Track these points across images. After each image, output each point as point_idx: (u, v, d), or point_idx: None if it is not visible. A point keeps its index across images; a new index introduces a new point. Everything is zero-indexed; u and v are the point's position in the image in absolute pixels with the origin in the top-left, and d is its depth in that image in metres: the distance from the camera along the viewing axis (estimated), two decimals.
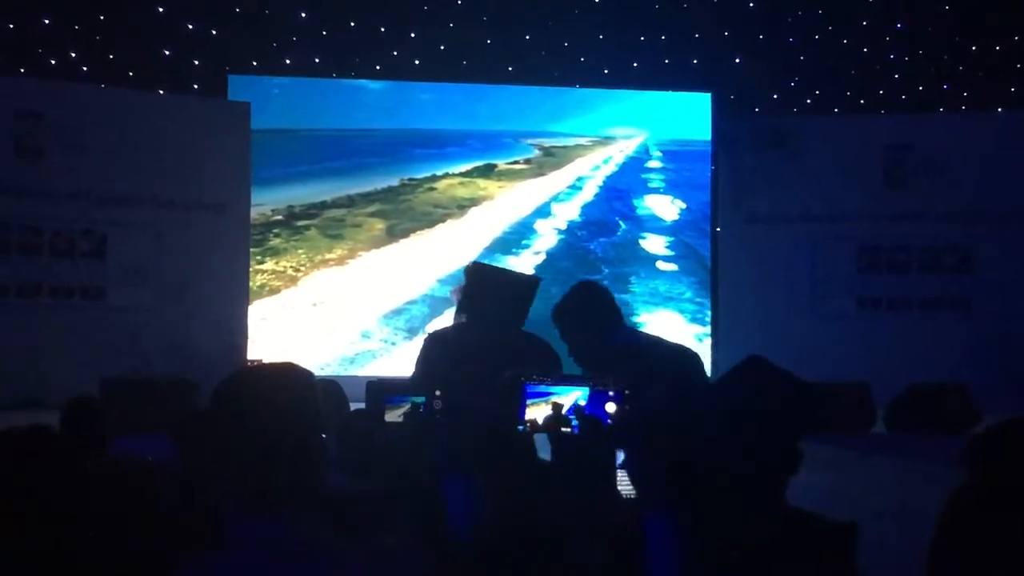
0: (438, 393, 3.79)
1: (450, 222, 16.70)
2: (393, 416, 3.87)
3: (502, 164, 17.03)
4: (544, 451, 3.43)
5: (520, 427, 2.96)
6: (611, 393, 2.90)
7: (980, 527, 1.86)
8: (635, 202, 17.10)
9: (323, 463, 2.12)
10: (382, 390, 4.44)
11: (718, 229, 15.76)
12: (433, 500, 3.28)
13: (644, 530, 2.50)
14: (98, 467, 3.56)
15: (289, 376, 2.13)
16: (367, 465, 3.58)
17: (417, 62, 15.92)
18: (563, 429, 2.92)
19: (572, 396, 2.96)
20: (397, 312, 16.07)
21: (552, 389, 2.97)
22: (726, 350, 14.42)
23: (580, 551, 2.28)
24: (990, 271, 13.70)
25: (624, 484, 3.52)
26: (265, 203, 15.71)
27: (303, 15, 15.46)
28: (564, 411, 2.98)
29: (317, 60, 15.72)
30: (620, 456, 3.54)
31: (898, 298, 14.02)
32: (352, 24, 15.53)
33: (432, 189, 16.81)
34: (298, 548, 1.96)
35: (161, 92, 14.35)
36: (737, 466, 2.65)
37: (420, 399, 3.88)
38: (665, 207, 17.03)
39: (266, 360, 14.36)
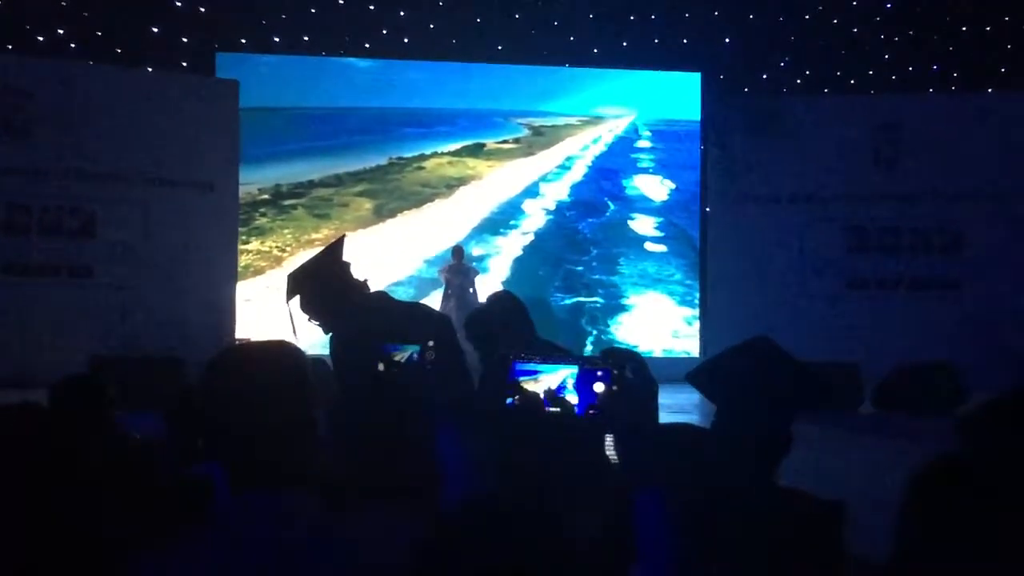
0: (431, 344, 3.77)
1: (438, 202, 16.68)
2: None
3: (491, 143, 17.04)
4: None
5: (509, 400, 2.96)
6: (599, 373, 2.90)
7: (961, 504, 1.86)
8: (624, 182, 17.12)
9: (314, 439, 2.12)
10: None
11: (707, 209, 15.78)
12: (428, 461, 3.28)
13: (635, 509, 2.51)
14: (99, 444, 3.56)
15: (280, 353, 2.13)
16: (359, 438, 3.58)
17: (406, 40, 15.88)
18: (552, 409, 2.92)
19: (561, 374, 2.95)
20: None
21: (541, 367, 2.97)
22: (714, 331, 14.44)
23: (573, 527, 2.28)
24: (979, 252, 13.74)
25: (613, 450, 3.51)
26: (252, 182, 15.67)
27: None
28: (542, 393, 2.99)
29: (306, 38, 15.68)
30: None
31: (887, 278, 14.05)
32: (341, 2, 15.48)
33: (420, 168, 16.79)
34: (288, 522, 1.97)
35: (149, 70, 14.29)
36: (734, 443, 2.66)
37: (415, 347, 3.85)
38: (655, 187, 17.04)
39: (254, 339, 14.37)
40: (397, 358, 3.71)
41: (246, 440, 2.02)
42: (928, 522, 1.90)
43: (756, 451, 2.67)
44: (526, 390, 2.91)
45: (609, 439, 3.06)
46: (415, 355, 3.76)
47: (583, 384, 2.91)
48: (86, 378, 4.93)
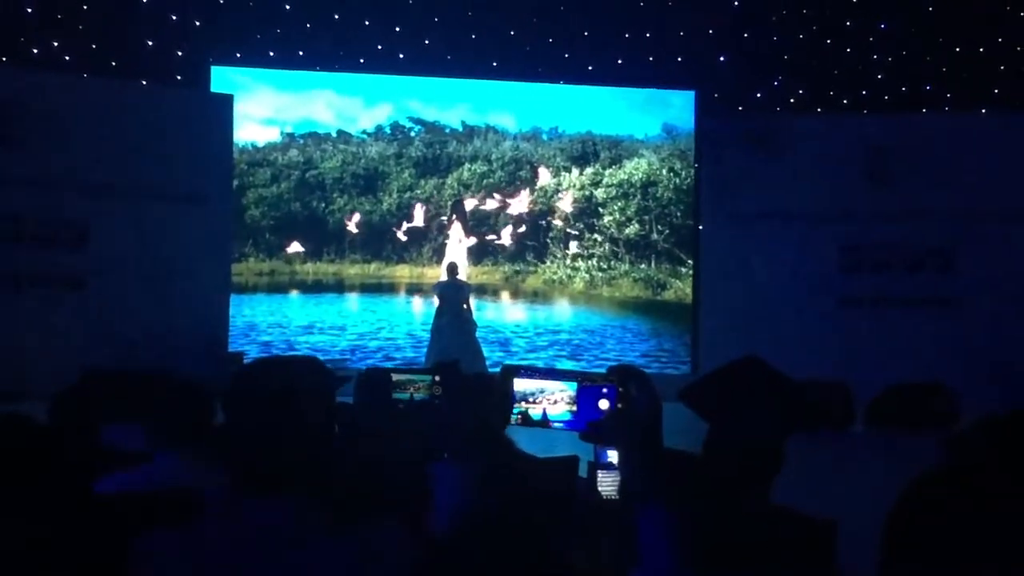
0: (437, 379, 3.82)
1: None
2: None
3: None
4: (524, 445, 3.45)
5: (514, 415, 2.96)
6: (604, 390, 2.90)
7: (948, 521, 1.86)
8: None
9: (331, 451, 2.14)
10: (378, 378, 4.49)
11: (700, 227, 15.80)
12: (420, 486, 3.29)
13: (638, 526, 2.51)
14: (85, 456, 3.56)
15: (307, 367, 2.16)
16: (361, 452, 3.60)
17: (401, 56, 15.90)
18: (555, 424, 2.93)
19: (559, 396, 2.95)
20: None
21: (541, 383, 2.97)
22: (707, 349, 14.45)
23: (564, 545, 2.29)
24: (971, 271, 13.76)
25: (605, 485, 3.51)
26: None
27: (287, 7, 15.42)
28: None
29: (301, 52, 15.68)
30: (608, 455, 3.54)
31: (879, 297, 14.06)
32: (336, 17, 15.50)
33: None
34: (292, 530, 1.98)
35: (144, 83, 14.29)
36: (727, 462, 2.66)
37: (427, 378, 3.92)
38: None
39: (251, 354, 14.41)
40: (412, 388, 3.77)
41: (265, 449, 2.03)
42: (914, 540, 1.90)
43: (748, 469, 2.67)
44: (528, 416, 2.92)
45: (603, 474, 3.07)
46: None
47: (584, 400, 2.91)
48: (78, 390, 4.93)
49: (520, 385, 2.96)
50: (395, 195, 16.76)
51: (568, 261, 16.95)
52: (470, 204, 16.85)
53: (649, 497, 2.61)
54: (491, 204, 16.85)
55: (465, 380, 4.47)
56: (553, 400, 2.95)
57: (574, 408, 2.93)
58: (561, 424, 2.94)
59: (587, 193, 16.94)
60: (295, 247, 16.40)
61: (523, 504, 2.54)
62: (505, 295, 16.91)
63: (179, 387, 4.26)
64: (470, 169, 16.94)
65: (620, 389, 2.86)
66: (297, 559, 1.96)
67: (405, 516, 2.69)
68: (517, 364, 3.10)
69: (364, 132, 16.85)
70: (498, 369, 3.20)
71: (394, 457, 3.47)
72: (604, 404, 2.88)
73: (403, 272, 16.60)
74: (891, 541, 1.86)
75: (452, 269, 14.56)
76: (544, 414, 2.96)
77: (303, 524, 2.00)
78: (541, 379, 2.97)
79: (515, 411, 2.96)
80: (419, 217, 16.71)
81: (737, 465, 2.67)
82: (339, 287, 16.53)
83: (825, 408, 10.51)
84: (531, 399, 2.96)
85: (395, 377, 4.62)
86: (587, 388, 2.90)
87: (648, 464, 2.68)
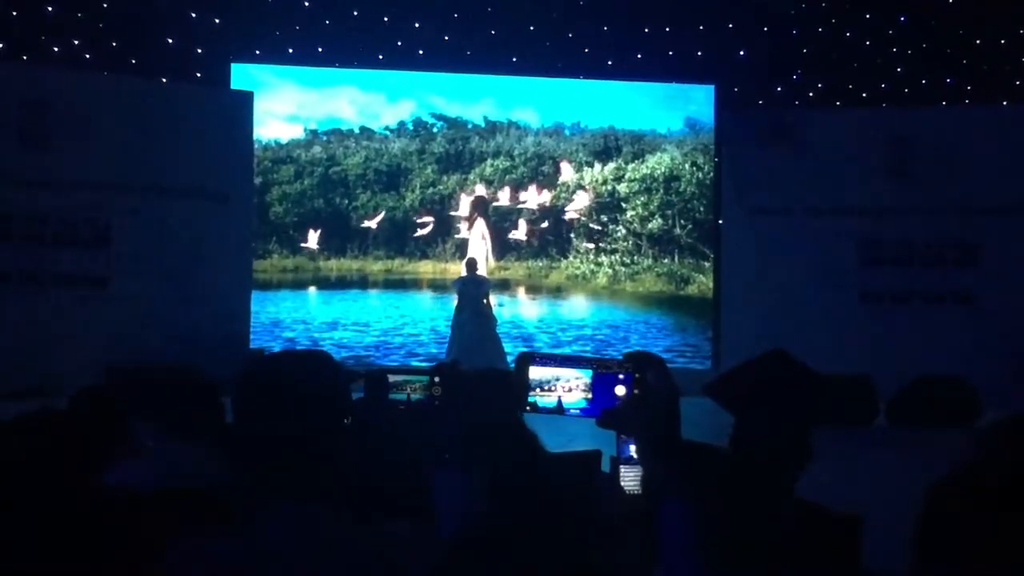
0: (436, 380, 3.81)
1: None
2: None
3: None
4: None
5: (527, 405, 2.96)
6: (621, 376, 2.89)
7: (977, 519, 1.85)
8: None
9: (344, 450, 2.14)
10: (381, 378, 4.49)
11: (721, 222, 15.76)
12: (424, 492, 3.28)
13: (660, 519, 2.50)
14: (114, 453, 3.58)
15: (316, 363, 2.15)
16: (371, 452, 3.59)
17: (421, 52, 15.90)
18: (571, 412, 2.92)
19: (574, 384, 2.94)
20: None
21: (557, 371, 2.97)
22: (729, 343, 14.41)
23: (585, 544, 2.28)
24: (993, 265, 13.69)
25: (628, 480, 3.50)
26: None
27: (306, 4, 15.44)
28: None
29: (320, 49, 15.70)
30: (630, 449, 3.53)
31: (901, 291, 14.01)
32: (355, 13, 15.50)
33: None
34: (310, 535, 1.98)
35: (164, 80, 14.33)
36: (754, 457, 2.66)
37: (424, 378, 3.92)
38: None
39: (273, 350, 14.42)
40: (408, 389, 3.76)
41: (277, 449, 2.03)
42: (947, 534, 1.89)
43: (775, 463, 2.66)
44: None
45: (625, 468, 3.05)
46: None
47: (600, 387, 2.90)
48: (101, 389, 4.96)
49: (535, 373, 2.95)
50: (418, 191, 16.79)
51: (591, 256, 16.94)
52: (492, 200, 16.84)
53: (669, 487, 2.60)
54: (513, 200, 16.85)
55: (475, 376, 4.46)
56: (568, 388, 2.94)
57: (590, 395, 2.92)
58: (577, 411, 2.93)
59: (610, 188, 16.92)
60: (312, 240, 16.44)
61: (540, 503, 2.53)
62: (528, 290, 16.92)
63: (191, 381, 4.26)
64: (492, 165, 16.93)
65: (636, 376, 2.85)
66: (309, 568, 1.96)
67: (414, 520, 2.70)
68: (532, 351, 3.09)
69: (387, 128, 16.88)
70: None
71: (396, 460, 3.47)
72: (620, 391, 2.87)
73: (426, 268, 16.64)
74: (921, 539, 1.85)
75: (471, 265, 14.59)
76: (559, 402, 2.96)
77: (315, 532, 2.00)
78: (557, 367, 2.96)
79: (528, 399, 2.96)
80: (429, 222, 16.76)
81: (765, 459, 2.66)
82: (363, 283, 16.57)
83: (849, 402, 10.49)
84: (546, 387, 2.95)
85: (392, 378, 4.62)
86: (603, 375, 2.89)
87: (665, 451, 2.67)
